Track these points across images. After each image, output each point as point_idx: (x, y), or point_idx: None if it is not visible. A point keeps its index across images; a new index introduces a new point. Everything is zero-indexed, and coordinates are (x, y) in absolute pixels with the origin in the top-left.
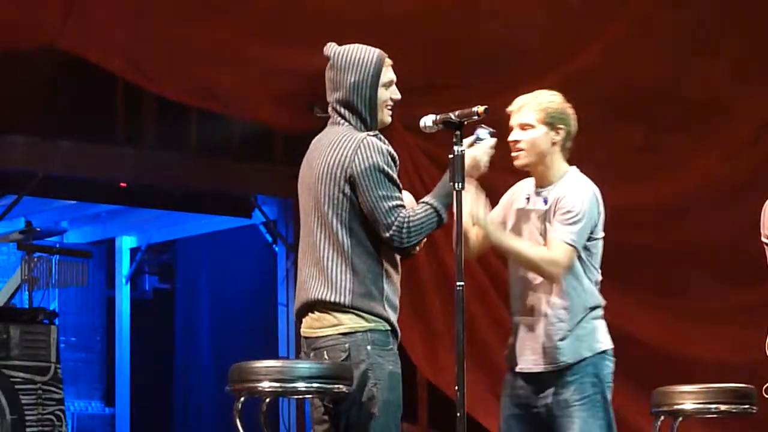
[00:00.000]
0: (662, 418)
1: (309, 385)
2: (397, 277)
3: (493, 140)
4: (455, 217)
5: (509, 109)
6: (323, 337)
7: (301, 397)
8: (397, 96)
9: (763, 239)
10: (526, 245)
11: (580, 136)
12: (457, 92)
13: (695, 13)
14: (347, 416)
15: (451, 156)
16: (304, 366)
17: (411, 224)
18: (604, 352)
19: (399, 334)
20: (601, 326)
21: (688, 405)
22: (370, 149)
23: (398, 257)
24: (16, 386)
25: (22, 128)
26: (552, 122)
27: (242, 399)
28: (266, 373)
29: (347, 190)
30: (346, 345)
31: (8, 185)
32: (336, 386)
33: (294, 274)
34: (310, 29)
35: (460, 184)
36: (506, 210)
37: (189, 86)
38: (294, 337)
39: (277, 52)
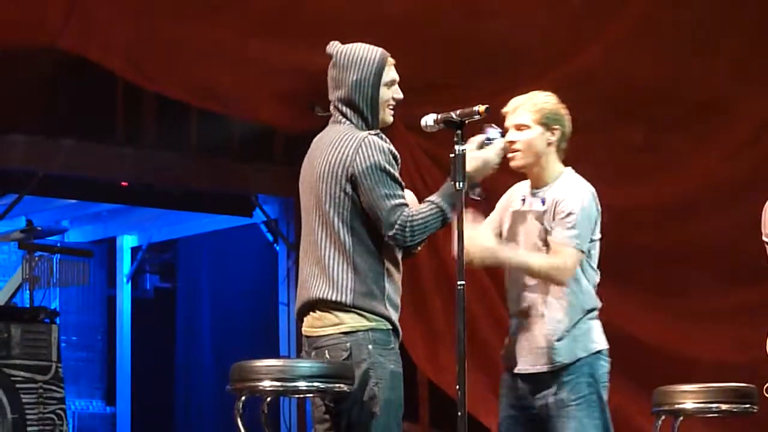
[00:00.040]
0: (663, 417)
1: (310, 384)
2: (398, 276)
3: (504, 140)
4: (456, 217)
5: (504, 110)
6: (324, 336)
7: (302, 396)
8: (399, 96)
9: (764, 239)
10: (532, 257)
11: (581, 136)
12: (457, 92)
13: (695, 13)
14: (348, 415)
15: (452, 155)
16: (305, 365)
17: (414, 223)
18: (599, 352)
19: (400, 333)
20: (597, 326)
21: (689, 404)
22: (371, 148)
23: (399, 256)
24: (17, 385)
25: (23, 127)
26: (547, 123)
27: (243, 398)
28: (267, 372)
29: (349, 189)
30: (348, 344)
31: (9, 184)
32: (337, 385)
33: (295, 274)
34: (310, 29)
35: (461, 183)
36: (502, 214)
37: (189, 86)
38: (295, 336)
39: (277, 52)
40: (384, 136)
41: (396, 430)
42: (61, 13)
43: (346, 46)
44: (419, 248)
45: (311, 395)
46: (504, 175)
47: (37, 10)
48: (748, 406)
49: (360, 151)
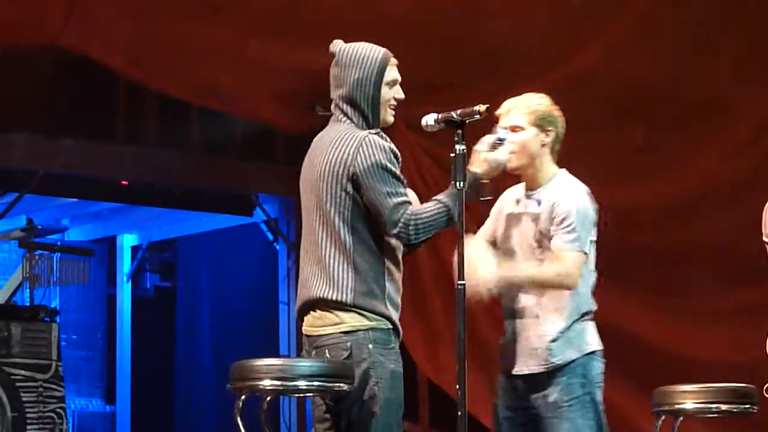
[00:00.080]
0: (663, 417)
1: (310, 383)
2: (399, 276)
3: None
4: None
5: (497, 112)
6: (325, 335)
7: (302, 395)
8: (401, 96)
9: (764, 239)
10: (537, 270)
11: (581, 136)
12: (457, 92)
13: (695, 13)
14: (348, 415)
15: (453, 155)
16: (305, 364)
17: (419, 221)
18: (593, 353)
19: (401, 333)
20: (591, 328)
21: (689, 404)
22: (372, 147)
23: (400, 256)
24: (17, 384)
25: (24, 126)
26: (542, 124)
27: (243, 397)
28: (267, 371)
29: (349, 188)
30: (348, 343)
31: (10, 183)
32: (337, 385)
33: (295, 273)
34: (310, 28)
35: (462, 183)
36: (496, 219)
37: (190, 85)
38: (295, 335)
39: (277, 52)
40: (384, 135)
41: (396, 429)
42: (62, 13)
43: (349, 44)
44: (421, 246)
45: (311, 394)
46: (503, 176)
47: (38, 9)
48: (748, 406)
49: (361, 150)
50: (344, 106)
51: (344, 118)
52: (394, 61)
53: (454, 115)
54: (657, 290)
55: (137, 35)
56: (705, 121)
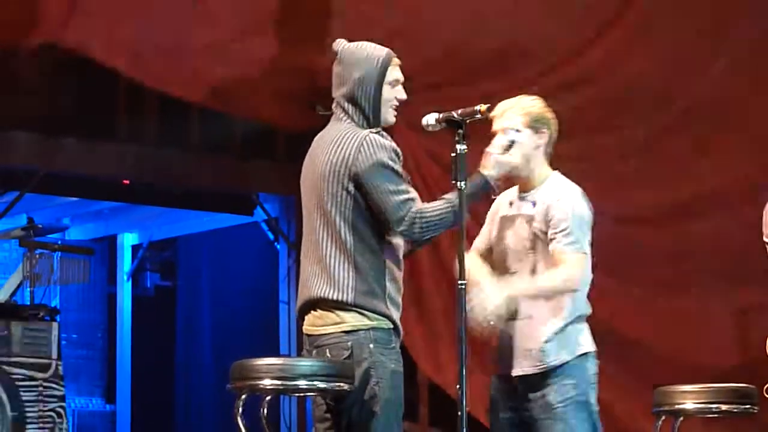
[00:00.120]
0: (663, 417)
1: (310, 383)
2: (400, 275)
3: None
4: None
5: (492, 114)
6: (326, 334)
7: (302, 395)
8: (403, 96)
9: (765, 239)
10: (538, 280)
11: (581, 137)
12: (458, 91)
13: (695, 13)
14: (349, 414)
15: (453, 155)
16: (305, 364)
17: (424, 218)
18: (586, 354)
19: (401, 333)
20: (585, 330)
21: (690, 405)
22: (373, 146)
23: (401, 255)
24: (17, 383)
25: (25, 125)
26: (536, 126)
27: (243, 397)
28: (267, 370)
29: (351, 187)
30: (349, 343)
31: (10, 182)
32: (338, 384)
33: (295, 272)
34: (310, 29)
35: (463, 183)
36: (491, 223)
37: (190, 85)
38: (295, 334)
39: (278, 51)
40: (385, 134)
41: (396, 429)
42: (63, 12)
43: (352, 43)
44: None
45: (312, 394)
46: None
47: (38, 8)
48: (748, 406)
49: (362, 149)
50: (346, 105)
51: (345, 117)
52: (396, 61)
53: (455, 115)
54: (657, 290)
55: (138, 34)
56: (705, 121)
